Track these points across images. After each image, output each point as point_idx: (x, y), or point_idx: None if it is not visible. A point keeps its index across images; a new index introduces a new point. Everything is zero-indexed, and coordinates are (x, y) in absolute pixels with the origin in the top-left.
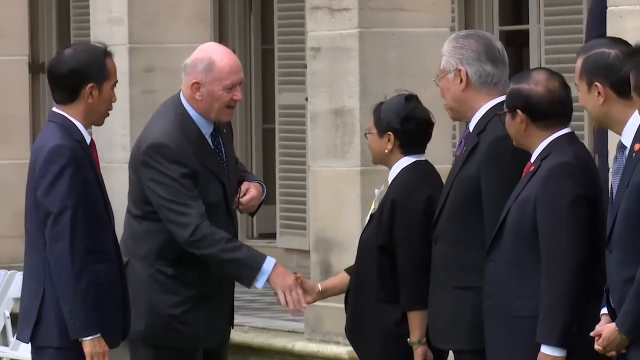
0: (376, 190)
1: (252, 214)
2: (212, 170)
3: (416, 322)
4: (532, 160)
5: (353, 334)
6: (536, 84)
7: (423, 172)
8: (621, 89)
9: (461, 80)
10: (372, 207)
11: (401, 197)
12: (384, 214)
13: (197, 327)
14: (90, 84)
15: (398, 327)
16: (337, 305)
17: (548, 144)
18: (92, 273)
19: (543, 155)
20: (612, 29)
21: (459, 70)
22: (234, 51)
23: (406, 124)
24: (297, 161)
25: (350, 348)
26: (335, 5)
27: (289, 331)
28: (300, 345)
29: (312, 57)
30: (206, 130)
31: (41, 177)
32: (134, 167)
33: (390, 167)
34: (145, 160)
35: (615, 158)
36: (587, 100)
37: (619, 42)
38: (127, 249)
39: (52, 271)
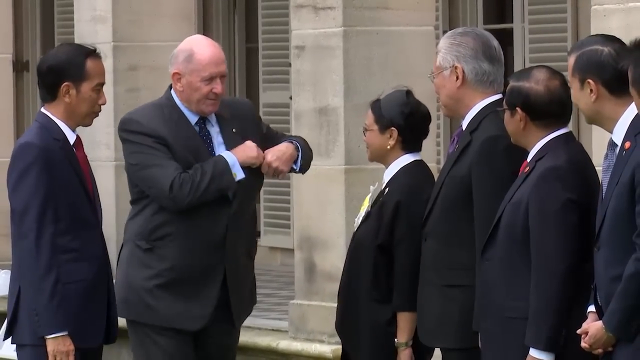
0: (371, 187)
1: (301, 172)
2: (194, 153)
3: (406, 323)
4: (528, 159)
5: (343, 330)
6: (537, 83)
7: (423, 173)
8: (613, 87)
9: (457, 78)
10: (367, 204)
11: (406, 199)
12: (385, 214)
13: (168, 305)
14: (65, 83)
15: (388, 327)
16: (321, 304)
17: (544, 144)
18: (66, 272)
19: (538, 156)
20: (596, 28)
21: (455, 68)
22: None
23: (410, 120)
24: None
25: (335, 347)
26: (320, 3)
27: (273, 330)
28: (284, 344)
29: (296, 56)
30: (191, 118)
31: (8, 174)
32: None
33: (387, 165)
34: (120, 136)
35: (606, 156)
36: (580, 97)
37: (612, 39)
38: (125, 232)
39: (20, 268)
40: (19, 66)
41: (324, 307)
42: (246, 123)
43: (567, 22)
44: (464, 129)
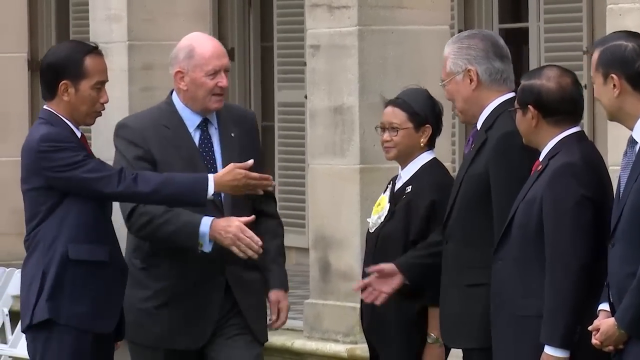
0: (388, 186)
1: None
2: (188, 161)
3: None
4: (540, 158)
5: (371, 328)
6: (548, 80)
7: (443, 171)
8: (637, 82)
9: (471, 80)
10: (385, 203)
11: (440, 198)
12: (415, 212)
13: (166, 325)
14: (63, 81)
15: (416, 321)
16: (336, 303)
17: (557, 142)
18: (89, 250)
19: (551, 154)
20: (612, 27)
21: (469, 71)
22: (232, 49)
23: (439, 116)
24: (297, 159)
25: (350, 346)
26: (335, 2)
27: (287, 329)
28: (299, 343)
29: (311, 55)
30: (191, 122)
31: (48, 161)
32: None
33: (405, 163)
34: (113, 141)
35: (625, 153)
36: (602, 92)
37: (636, 35)
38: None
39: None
40: (34, 65)
41: (339, 306)
42: (246, 131)
43: (583, 21)
44: (478, 128)
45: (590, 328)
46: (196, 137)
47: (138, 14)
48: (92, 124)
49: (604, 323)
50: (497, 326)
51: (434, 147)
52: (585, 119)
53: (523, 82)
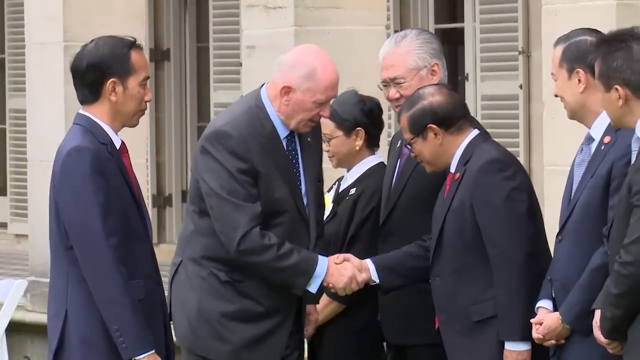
0: (334, 187)
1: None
2: (281, 172)
3: (329, 311)
4: (452, 170)
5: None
6: (432, 96)
7: None
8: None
9: (433, 75)
10: (329, 201)
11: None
12: (360, 214)
13: (244, 343)
14: (111, 79)
15: (367, 329)
16: None
17: (465, 148)
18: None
19: (464, 160)
20: (547, 27)
21: (434, 64)
22: (168, 49)
23: (372, 115)
24: None
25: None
26: (271, 3)
27: None
28: None
29: (247, 55)
30: (281, 131)
31: (60, 185)
32: (194, 156)
33: (351, 166)
34: (204, 147)
35: (580, 150)
36: (566, 88)
37: (597, 32)
38: (181, 248)
39: (92, 288)
40: None
41: None
42: (314, 134)
43: (518, 21)
44: None
45: (532, 321)
46: (285, 145)
47: (74, 14)
48: (137, 124)
49: (548, 317)
50: (449, 340)
51: (378, 146)
52: (521, 120)
53: (409, 113)
